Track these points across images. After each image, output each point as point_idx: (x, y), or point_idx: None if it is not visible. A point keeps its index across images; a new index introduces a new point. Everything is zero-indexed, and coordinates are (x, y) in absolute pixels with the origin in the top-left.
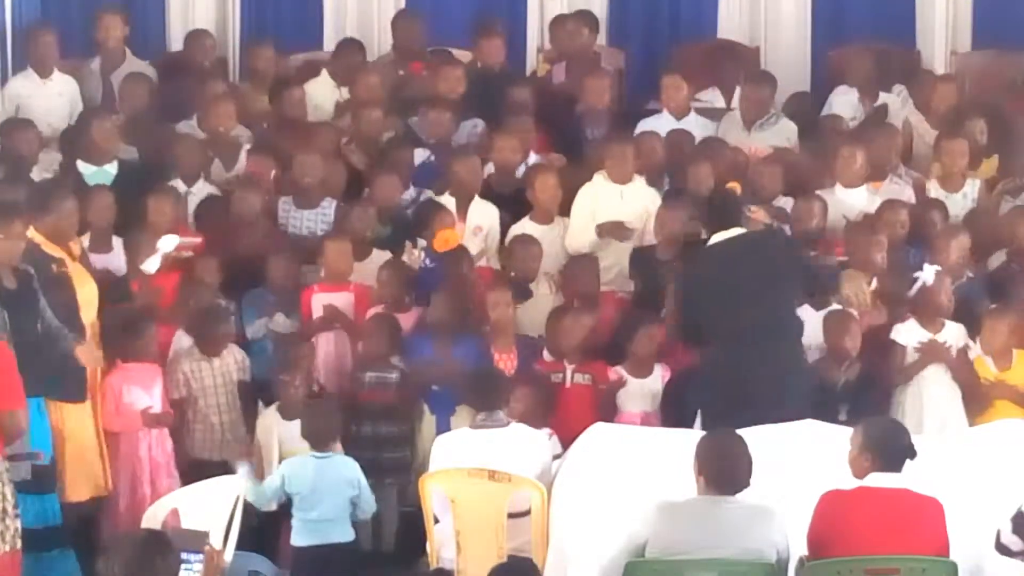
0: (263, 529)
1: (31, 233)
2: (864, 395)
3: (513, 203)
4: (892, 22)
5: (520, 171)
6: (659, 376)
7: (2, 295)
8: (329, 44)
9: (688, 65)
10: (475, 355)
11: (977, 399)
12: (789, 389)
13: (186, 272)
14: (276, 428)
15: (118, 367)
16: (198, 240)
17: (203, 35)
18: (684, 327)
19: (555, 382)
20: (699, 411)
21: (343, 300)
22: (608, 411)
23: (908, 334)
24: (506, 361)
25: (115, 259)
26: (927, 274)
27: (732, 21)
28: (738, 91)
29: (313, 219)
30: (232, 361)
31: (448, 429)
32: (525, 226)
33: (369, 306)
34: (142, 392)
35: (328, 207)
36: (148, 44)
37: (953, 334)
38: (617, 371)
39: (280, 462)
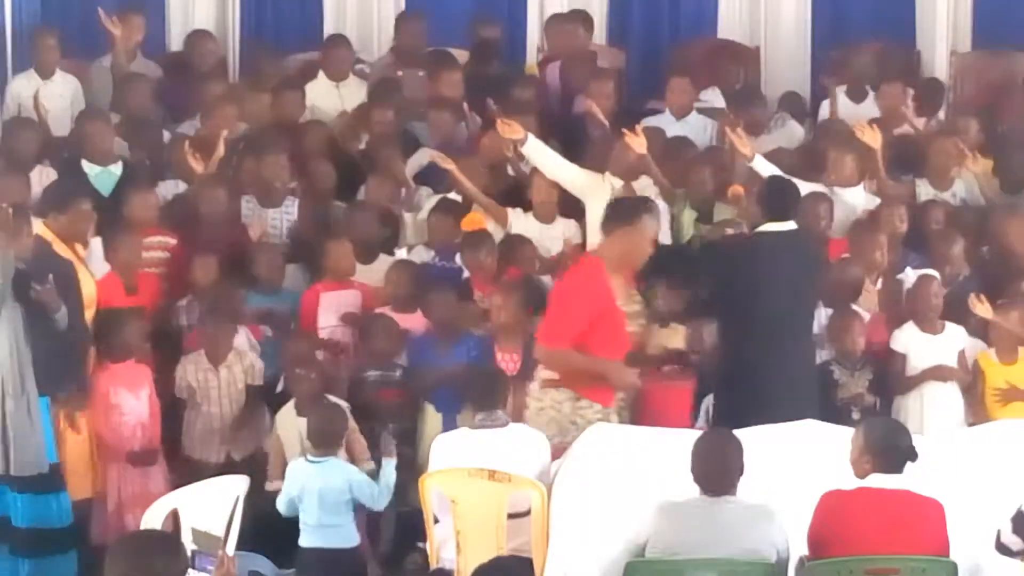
0: (263, 529)
1: (42, 231)
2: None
3: (509, 201)
4: (892, 22)
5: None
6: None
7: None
8: None
9: (688, 65)
10: (476, 355)
11: (986, 405)
12: (801, 390)
13: (169, 272)
14: (296, 424)
15: (105, 368)
16: (172, 240)
17: (205, 36)
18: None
19: None
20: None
21: (351, 298)
22: None
23: (907, 338)
24: (508, 361)
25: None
26: (909, 277)
27: (732, 21)
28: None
29: (277, 217)
30: (240, 370)
31: (455, 427)
32: (528, 222)
33: (376, 305)
34: (128, 394)
35: (291, 205)
36: (148, 44)
37: (954, 336)
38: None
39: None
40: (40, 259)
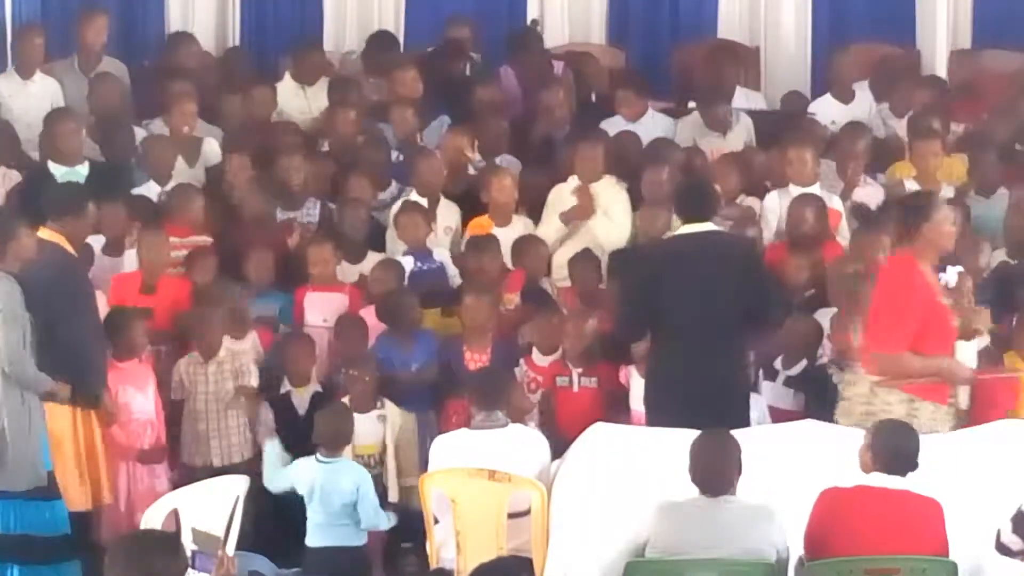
0: (263, 529)
1: (51, 235)
2: None
3: (464, 202)
4: (892, 22)
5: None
6: None
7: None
8: (329, 44)
9: (688, 65)
10: (429, 354)
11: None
12: (726, 393)
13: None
14: None
15: (113, 367)
16: (209, 240)
17: (186, 39)
18: (622, 320)
19: (561, 386)
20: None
21: (337, 301)
22: (617, 412)
23: None
24: (476, 361)
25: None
26: (949, 276)
27: (732, 21)
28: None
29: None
30: (229, 368)
31: (426, 426)
32: (483, 225)
33: (362, 307)
34: (137, 392)
35: (313, 207)
36: (148, 44)
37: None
38: (627, 371)
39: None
40: (55, 263)
